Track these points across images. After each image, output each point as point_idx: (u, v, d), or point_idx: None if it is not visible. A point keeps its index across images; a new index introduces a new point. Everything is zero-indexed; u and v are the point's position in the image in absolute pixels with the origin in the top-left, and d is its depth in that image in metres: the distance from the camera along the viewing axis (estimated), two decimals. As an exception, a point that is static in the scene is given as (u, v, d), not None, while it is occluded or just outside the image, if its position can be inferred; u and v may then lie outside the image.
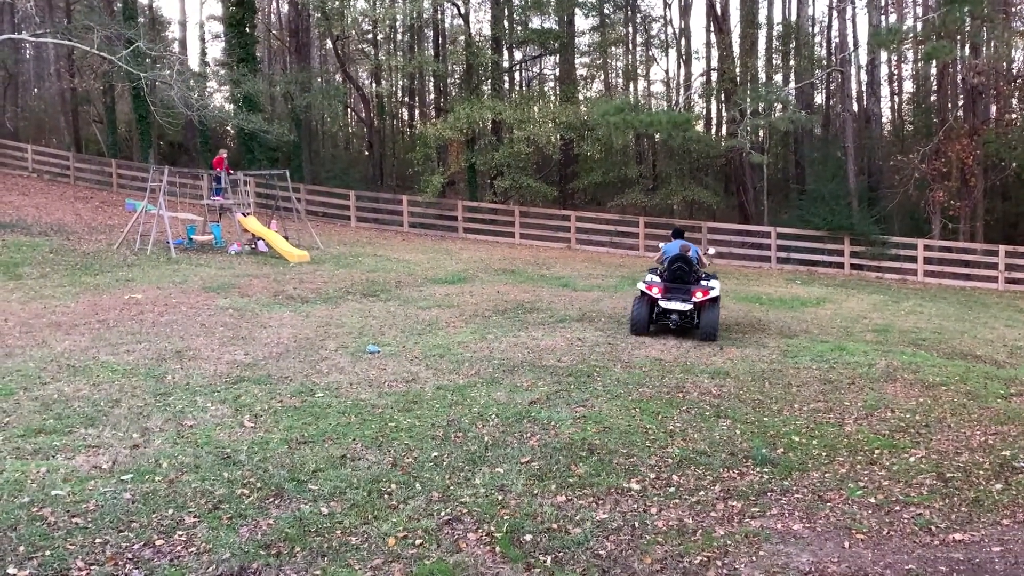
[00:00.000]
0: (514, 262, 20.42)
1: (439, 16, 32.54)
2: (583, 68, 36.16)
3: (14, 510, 5.02)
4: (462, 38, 32.14)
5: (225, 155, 21.10)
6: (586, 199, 31.50)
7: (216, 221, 20.21)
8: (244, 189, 20.98)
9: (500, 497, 5.40)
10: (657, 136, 29.14)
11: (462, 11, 29.85)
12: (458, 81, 32.84)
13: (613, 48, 35.66)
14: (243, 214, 19.73)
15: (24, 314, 11.49)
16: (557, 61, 35.79)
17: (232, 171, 21.02)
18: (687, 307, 11.49)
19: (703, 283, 11.84)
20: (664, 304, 11.57)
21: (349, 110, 39.71)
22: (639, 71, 36.64)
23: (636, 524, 5.09)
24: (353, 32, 32.99)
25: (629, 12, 35.96)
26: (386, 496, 5.37)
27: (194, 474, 5.69)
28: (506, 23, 32.04)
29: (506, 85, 34.15)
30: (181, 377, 8.46)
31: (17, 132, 32.59)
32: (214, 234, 19.52)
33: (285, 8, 37.37)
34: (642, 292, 11.81)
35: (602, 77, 37.59)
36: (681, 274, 11.86)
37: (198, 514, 5.02)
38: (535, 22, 32.55)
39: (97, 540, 4.67)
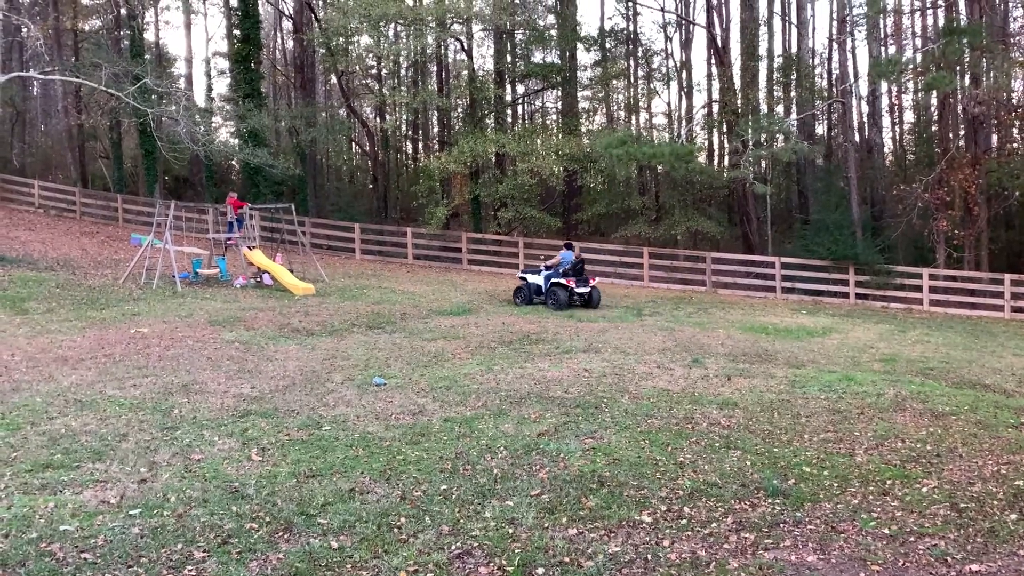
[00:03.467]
0: (519, 293, 20.42)
1: (443, 51, 32.92)
2: (585, 101, 36.50)
3: (23, 546, 4.99)
4: (465, 73, 32.52)
5: (235, 196, 21.44)
6: (590, 230, 31.61)
7: (222, 255, 20.30)
8: (250, 223, 21.09)
9: (511, 530, 5.36)
10: (660, 168, 29.33)
11: (465, 47, 30.22)
12: (462, 115, 33.15)
13: (615, 81, 36.01)
14: (249, 247, 19.82)
15: (31, 348, 11.50)
16: (559, 94, 36.15)
17: (240, 214, 21.20)
18: (588, 289, 18.26)
19: (586, 277, 18.52)
20: (578, 289, 18.05)
21: (354, 144, 40.05)
22: (641, 103, 37.00)
23: (648, 557, 5.04)
24: (357, 68, 33.36)
25: (630, 46, 36.40)
26: (396, 530, 5.33)
27: (202, 508, 5.65)
28: (509, 57, 32.46)
29: (509, 118, 34.49)
30: (188, 411, 8.43)
31: (24, 168, 32.87)
32: (220, 268, 19.58)
33: (290, 44, 37.88)
34: (561, 283, 17.96)
35: (604, 109, 37.93)
36: (581, 270, 18.53)
37: (207, 548, 4.98)
38: (537, 56, 32.97)
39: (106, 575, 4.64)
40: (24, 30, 24.97)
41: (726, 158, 32.68)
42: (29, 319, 13.82)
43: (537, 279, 18.62)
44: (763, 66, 32.12)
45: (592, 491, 6.17)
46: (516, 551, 5.03)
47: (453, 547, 5.09)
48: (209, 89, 39.35)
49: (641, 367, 11.36)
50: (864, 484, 6.63)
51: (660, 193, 30.39)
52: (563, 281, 17.88)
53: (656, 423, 8.32)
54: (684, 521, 5.67)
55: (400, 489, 6.11)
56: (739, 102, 27.91)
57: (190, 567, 4.76)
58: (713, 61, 31.58)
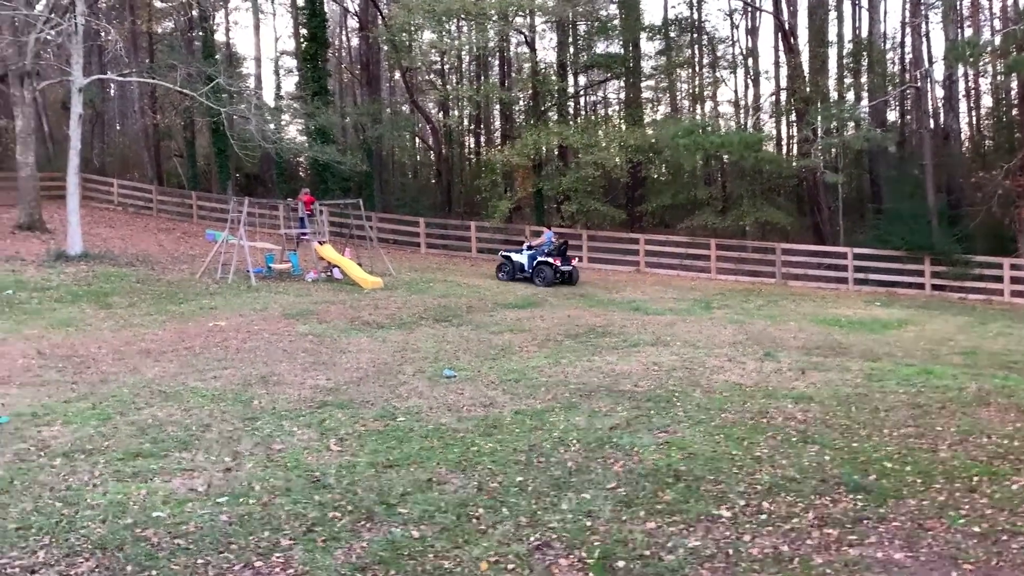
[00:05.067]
0: (583, 286, 20.39)
1: (505, 44, 32.93)
2: (649, 91, 36.10)
3: (119, 531, 5.20)
4: (527, 65, 32.48)
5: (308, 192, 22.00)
6: (654, 222, 31.28)
7: (293, 250, 20.74)
8: (320, 218, 21.50)
9: (588, 523, 5.37)
10: (726, 157, 28.86)
11: (528, 39, 30.17)
12: (524, 107, 33.15)
13: (679, 70, 35.53)
14: (319, 242, 20.20)
15: (116, 342, 11.95)
16: (622, 85, 35.83)
17: (312, 210, 21.70)
18: (570, 268, 20.27)
19: (569, 257, 20.53)
20: (563, 268, 20.10)
21: (417, 139, 40.43)
22: (706, 92, 36.41)
23: (730, 552, 5.00)
24: (421, 63, 33.65)
25: (695, 34, 35.83)
26: (474, 520, 5.40)
27: (286, 497, 5.81)
28: (571, 49, 32.30)
29: (571, 110, 34.35)
30: (267, 402, 8.66)
31: (104, 167, 34.07)
32: (292, 262, 20.01)
33: (355, 42, 38.40)
34: (548, 263, 19.99)
35: (668, 99, 37.45)
36: (564, 250, 20.45)
37: (293, 536, 5.12)
38: (600, 47, 32.74)
39: (199, 561, 4.80)
40: (103, 34, 25.83)
41: (795, 147, 31.98)
42: (113, 313, 14.35)
43: (520, 258, 20.78)
44: (832, 52, 31.27)
45: (668, 485, 6.14)
46: (595, 544, 5.04)
47: (532, 538, 5.13)
48: (278, 87, 40.20)
49: (712, 361, 11.23)
50: (949, 481, 6.45)
51: (727, 183, 29.91)
52: (550, 260, 20.09)
53: (730, 417, 8.23)
54: (764, 516, 5.61)
55: (476, 480, 6.18)
56: (808, 89, 27.25)
57: (278, 554, 4.91)
58: (781, 48, 30.89)
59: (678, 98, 37.36)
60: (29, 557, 4.81)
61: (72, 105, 20.91)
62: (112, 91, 36.52)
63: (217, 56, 31.25)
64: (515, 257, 20.95)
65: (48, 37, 21.76)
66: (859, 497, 6.02)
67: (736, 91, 37.51)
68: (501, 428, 7.67)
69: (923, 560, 4.95)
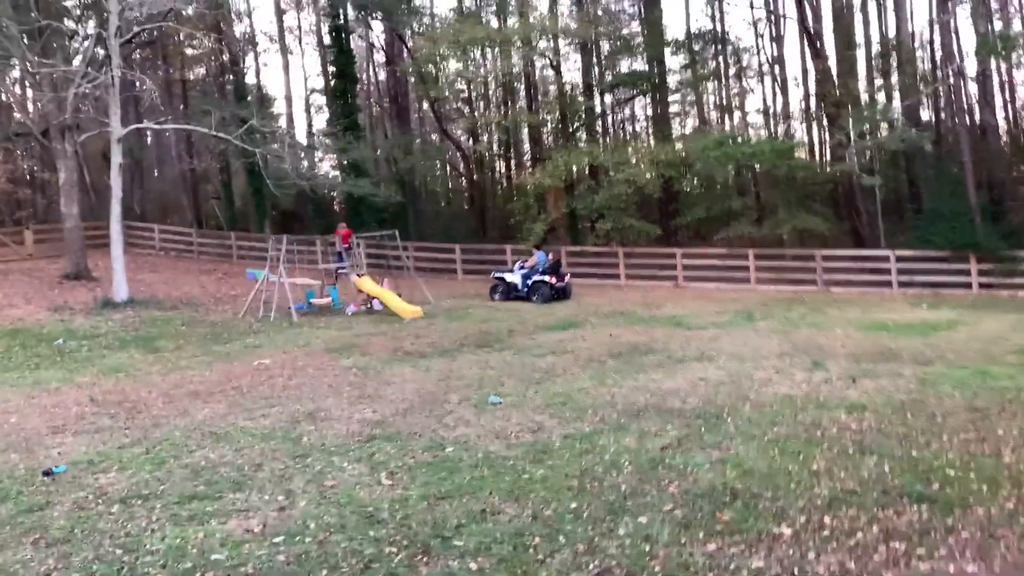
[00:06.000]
0: (623, 304, 20.28)
1: (530, 69, 33.13)
2: (676, 105, 36.05)
3: (180, 575, 5.24)
4: (553, 88, 32.66)
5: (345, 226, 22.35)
6: (690, 235, 31.07)
7: (333, 284, 20.96)
8: (357, 251, 21.73)
9: (647, 548, 5.29)
10: (758, 166, 28.61)
11: (553, 63, 30.33)
12: (553, 129, 33.28)
13: (705, 83, 35.43)
14: (358, 275, 20.39)
15: (165, 385, 12.13)
16: (649, 101, 35.82)
17: (349, 243, 22.02)
18: (564, 284, 21.37)
19: (562, 273, 21.64)
20: (558, 284, 21.13)
21: (448, 167, 40.76)
22: (734, 103, 36.25)
23: (795, 571, 4.89)
24: (447, 93, 34.02)
25: (719, 46, 35.74)
26: (532, 550, 5.34)
27: (341, 534, 5.81)
28: (596, 69, 32.43)
29: (600, 129, 34.40)
30: (316, 438, 8.70)
31: (144, 214, 34.84)
32: (332, 296, 20.21)
33: (383, 76, 38.94)
34: (544, 281, 21.11)
35: (696, 112, 37.34)
36: (557, 268, 21.61)
37: (351, 574, 5.12)
38: (624, 65, 32.82)
39: (259, 603, 4.81)
40: (138, 84, 26.51)
41: (828, 152, 31.61)
42: (161, 357, 14.59)
43: (514, 278, 21.70)
44: (860, 54, 30.95)
45: (726, 504, 6.03)
46: (656, 569, 4.96)
47: (591, 566, 5.06)
48: (309, 125, 40.84)
49: (759, 373, 11.07)
50: (1017, 486, 6.25)
51: (761, 193, 29.63)
52: (545, 278, 21.20)
53: (783, 431, 8.08)
54: (826, 532, 5.47)
55: (530, 509, 6.12)
56: (838, 93, 26.97)
57: (337, 592, 4.90)
58: (807, 54, 30.68)
59: (706, 110, 37.24)
60: (94, 606, 4.86)
61: (112, 155, 21.45)
62: (149, 139, 37.40)
63: (249, 98, 31.88)
64: (508, 277, 21.84)
65: (86, 91, 22.39)
66: (924, 508, 5.86)
67: (764, 100, 37.38)
68: (551, 453, 7.61)
69: (998, 572, 4.79)
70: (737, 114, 36.42)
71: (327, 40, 32.84)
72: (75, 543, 5.90)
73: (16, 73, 29.43)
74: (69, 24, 26.14)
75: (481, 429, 8.75)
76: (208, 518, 6.33)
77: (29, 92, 30.93)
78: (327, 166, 34.35)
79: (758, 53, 36.28)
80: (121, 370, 13.49)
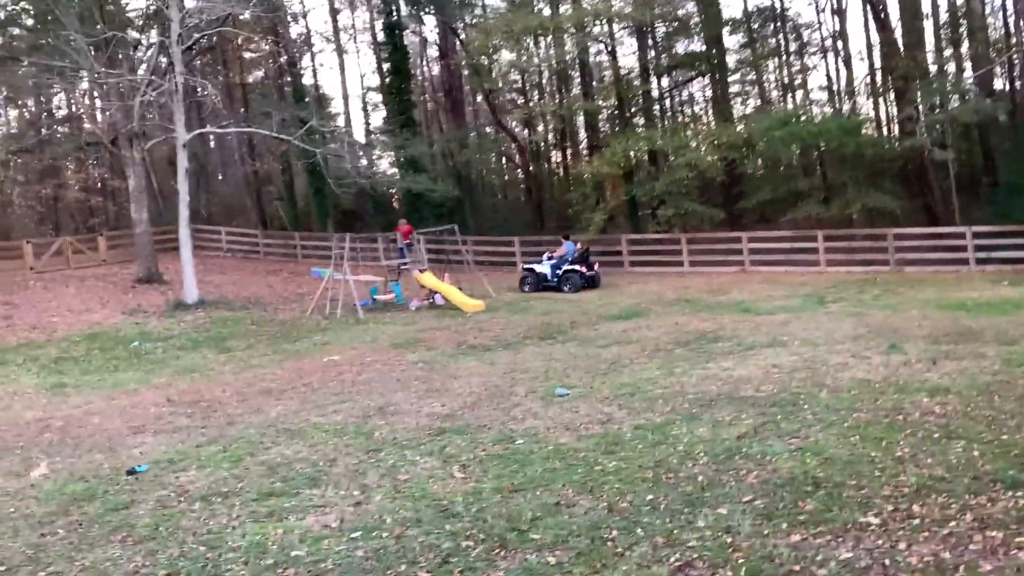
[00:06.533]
0: (687, 291, 19.98)
1: (585, 55, 32.84)
2: (736, 85, 35.30)
3: (262, 572, 5.31)
4: (608, 74, 32.31)
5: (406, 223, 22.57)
6: (755, 218, 30.41)
7: (396, 280, 21.15)
8: (418, 247, 21.88)
9: (728, 539, 5.16)
10: (823, 145, 27.83)
11: (608, 48, 29.99)
12: (608, 116, 32.94)
13: (765, 61, 34.60)
14: (419, 271, 20.52)
15: (238, 384, 12.39)
16: (707, 82, 35.18)
17: (410, 239, 22.22)
18: (593, 273, 21.65)
19: (591, 263, 22.00)
20: (588, 273, 21.48)
21: (504, 159, 40.74)
22: (796, 81, 35.33)
23: (887, 562, 4.70)
24: (501, 84, 33.96)
25: (778, 23, 34.85)
26: (609, 543, 5.26)
27: (418, 528, 5.82)
28: (652, 52, 31.95)
29: (657, 113, 33.92)
30: (387, 432, 8.76)
31: (211, 217, 35.70)
32: (395, 292, 20.39)
33: (436, 70, 39.08)
34: (575, 270, 21.38)
35: (757, 92, 36.54)
36: (586, 257, 21.92)
37: (430, 569, 5.11)
38: (680, 47, 32.27)
39: (340, 598, 4.84)
40: (200, 90, 27.10)
41: (896, 127, 30.57)
42: (232, 356, 14.91)
43: (543, 268, 21.77)
44: (928, 24, 29.83)
45: (808, 494, 5.85)
46: (739, 561, 4.83)
47: (672, 559, 4.95)
48: (367, 122, 41.28)
49: (834, 358, 10.76)
50: (1120, 470, 5.92)
51: (827, 172, 28.82)
52: (576, 267, 21.41)
53: (863, 417, 7.82)
54: (916, 521, 5.26)
55: (605, 501, 6.04)
56: (906, 66, 26.02)
57: (416, 587, 4.90)
58: (872, 26, 29.68)
59: (767, 90, 36.41)
60: (181, 602, 4.96)
61: (178, 160, 21.99)
62: (212, 143, 38.27)
63: (307, 99, 32.34)
64: (538, 268, 21.93)
65: (151, 99, 22.99)
66: (1020, 494, 5.59)
67: (828, 76, 36.21)
68: (623, 445, 7.51)
69: (1106, 561, 4.54)
70: (799, 92, 35.52)
71: (381, 38, 33.08)
72: (160, 540, 6.04)
73: (85, 85, 30.41)
74: (133, 34, 26.86)
75: (550, 421, 8.70)
76: (286, 514, 6.42)
77: (98, 102, 31.97)
78: (385, 163, 34.68)
79: (819, 28, 35.27)
80: (195, 370, 13.83)
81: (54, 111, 37.73)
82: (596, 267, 22.07)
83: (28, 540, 6.27)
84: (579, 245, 22.49)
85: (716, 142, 24.93)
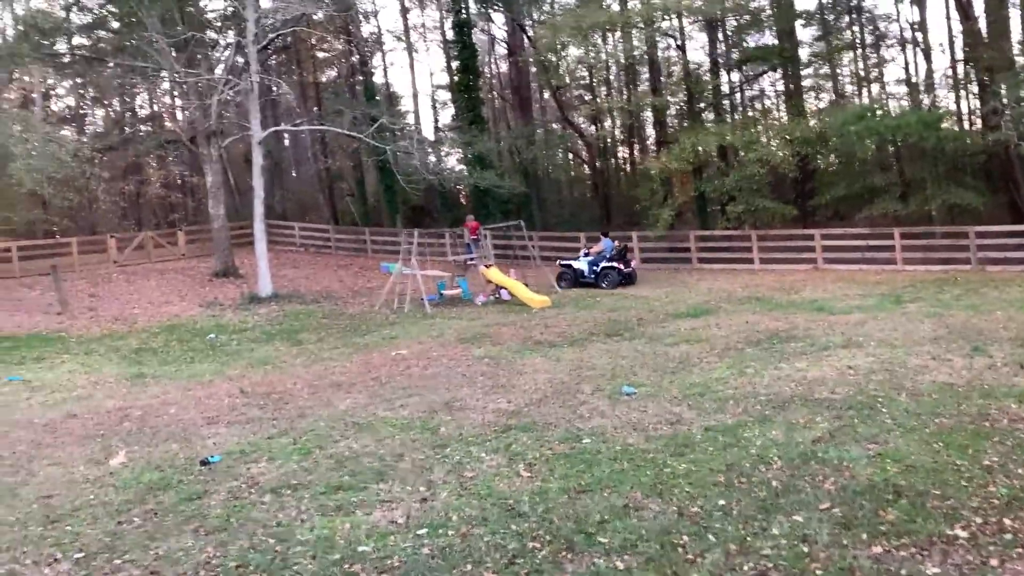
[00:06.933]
0: (758, 289, 19.52)
1: (653, 50, 32.45)
2: (809, 79, 34.36)
3: (329, 567, 5.35)
4: (676, 69, 31.79)
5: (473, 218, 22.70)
6: (828, 215, 29.58)
7: (462, 275, 21.23)
8: (485, 242, 21.92)
9: (805, 549, 4.98)
10: (900, 139, 26.86)
11: (678, 42, 29.54)
12: (677, 111, 32.45)
13: (840, 54, 33.58)
14: (486, 266, 20.55)
15: (308, 376, 12.59)
16: (779, 76, 34.33)
17: (477, 235, 22.31)
18: (631, 270, 21.62)
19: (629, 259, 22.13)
20: (626, 269, 21.43)
21: (570, 155, 40.54)
22: (872, 74, 34.21)
23: (976, 579, 4.48)
24: (568, 80, 33.76)
25: (854, 14, 33.79)
26: (680, 549, 5.14)
27: (484, 527, 5.79)
28: (722, 46, 31.33)
29: (727, 108, 33.28)
30: (453, 428, 8.77)
31: (284, 212, 36.46)
32: (461, 287, 20.47)
33: (504, 67, 39.10)
34: (613, 267, 21.36)
35: (831, 85, 35.51)
36: (623, 254, 22.02)
37: (496, 570, 5.07)
38: (752, 40, 31.53)
39: (407, 596, 4.84)
40: (275, 89, 27.68)
41: (978, 121, 29.31)
42: (304, 349, 15.17)
43: (580, 264, 21.78)
44: (1015, 13, 28.48)
45: (889, 502, 5.61)
46: (817, 572, 4.66)
47: (746, 568, 4.81)
48: (435, 120, 41.57)
49: (913, 360, 10.36)
50: None
51: (905, 167, 27.82)
52: (614, 264, 21.43)
53: (946, 423, 7.49)
54: (1008, 536, 4.99)
55: (675, 505, 5.91)
56: (990, 57, 24.90)
57: (482, 587, 4.86)
58: (953, 16, 28.49)
59: (842, 83, 35.35)
60: (251, 594, 5.02)
61: (254, 157, 22.50)
62: (287, 141, 39.08)
63: (378, 97, 32.72)
64: (575, 264, 21.96)
65: (228, 97, 23.57)
66: (1122, 510, 5.26)
67: (907, 68, 34.98)
68: (693, 447, 7.35)
69: None
70: (875, 85, 34.39)
71: (450, 35, 33.24)
72: (231, 532, 6.14)
73: (166, 85, 31.39)
74: (211, 35, 27.58)
75: (617, 420, 8.57)
76: (354, 509, 6.47)
77: (177, 102, 32.96)
78: (453, 160, 34.86)
79: (898, 19, 34.13)
80: (268, 362, 14.11)
81: (137, 110, 39.04)
82: (633, 264, 22.19)
83: (106, 528, 6.46)
84: (616, 243, 22.50)
85: (788, 137, 24.28)
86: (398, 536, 5.78)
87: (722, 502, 5.88)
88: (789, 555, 4.91)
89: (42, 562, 5.84)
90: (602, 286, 21.19)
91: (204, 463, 8.06)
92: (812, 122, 26.60)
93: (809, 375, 9.98)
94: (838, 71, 34.76)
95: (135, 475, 7.85)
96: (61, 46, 27.22)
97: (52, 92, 34.30)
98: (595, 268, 21.59)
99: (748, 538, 5.22)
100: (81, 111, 37.34)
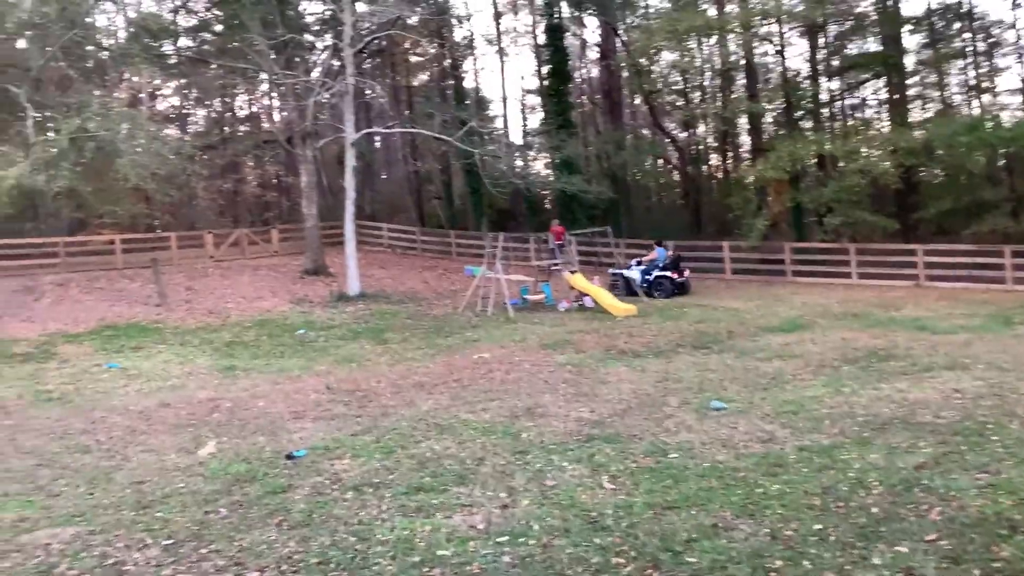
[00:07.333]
0: (855, 305, 18.75)
1: (751, 55, 31.71)
2: (914, 87, 32.97)
3: (408, 569, 5.29)
4: (773, 75, 30.98)
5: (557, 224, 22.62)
6: (932, 230, 28.29)
7: (546, 280, 21.13)
8: (569, 248, 21.78)
9: (911, 583, 4.66)
10: (1012, 152, 25.46)
11: (776, 47, 28.76)
12: (774, 118, 31.60)
13: (949, 62, 32.10)
14: (570, 272, 20.39)
15: (392, 376, 12.68)
16: (882, 84, 33.06)
17: (562, 240, 22.22)
18: (684, 279, 21.59)
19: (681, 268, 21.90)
20: (678, 279, 21.31)
21: (659, 161, 39.99)
22: (983, 83, 32.56)
23: (1107, 630, 4.08)
24: (661, 85, 33.31)
25: (964, 21, 32.25)
26: (773, 574, 4.87)
27: (565, 538, 5.64)
28: (822, 53, 30.37)
29: (826, 116, 32.23)
30: (535, 435, 8.64)
31: (373, 213, 37.13)
32: (545, 293, 20.36)
33: (595, 72, 38.90)
34: (666, 276, 21.20)
35: (938, 95, 33.98)
36: (677, 263, 21.76)
37: (578, 583, 4.91)
38: (854, 47, 30.48)
39: (486, 605, 4.73)
40: (368, 92, 28.19)
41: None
42: (388, 348, 15.32)
43: (632, 274, 21.60)
44: None
45: (1003, 538, 5.20)
46: (924, 610, 4.34)
47: (844, 599, 4.52)
48: (524, 124, 41.68)
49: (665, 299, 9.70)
50: None
51: (1017, 181, 26.38)
52: (667, 274, 21.33)
53: (1066, 455, 6.94)
54: None
55: (767, 527, 5.63)
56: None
57: (563, 601, 4.71)
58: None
59: (950, 92, 33.80)
60: (331, 592, 5.00)
61: (346, 159, 22.95)
62: (377, 143, 39.82)
63: (468, 101, 32.99)
64: (627, 274, 21.81)
65: (324, 99, 24.12)
66: None
67: (1022, 77, 33.19)
68: (786, 467, 7.02)
69: None
70: (987, 95, 32.72)
71: (542, 40, 33.25)
72: (313, 527, 6.17)
73: (265, 86, 32.38)
74: (308, 38, 28.32)
75: (705, 436, 8.29)
76: (434, 511, 6.41)
77: (275, 103, 33.95)
78: (540, 164, 34.85)
79: (1013, 26, 32.35)
80: (354, 360, 14.29)
81: (236, 111, 40.43)
82: (687, 273, 22.02)
83: (194, 516, 6.58)
84: (670, 252, 22.32)
85: (892, 147, 23.29)
86: (478, 542, 5.68)
87: (818, 526, 5.57)
88: (893, 589, 4.60)
89: (133, 546, 5.98)
90: (655, 296, 20.96)
91: (289, 457, 8.16)
92: (917, 133, 25.50)
93: (910, 397, 9.46)
94: (946, 79, 33.26)
95: (223, 466, 8.01)
96: (168, 48, 28.39)
97: (158, 92, 35.84)
98: (647, 277, 21.37)
99: (847, 566, 4.91)
100: (184, 111, 38.89)
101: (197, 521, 6.45)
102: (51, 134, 17.67)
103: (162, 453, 8.68)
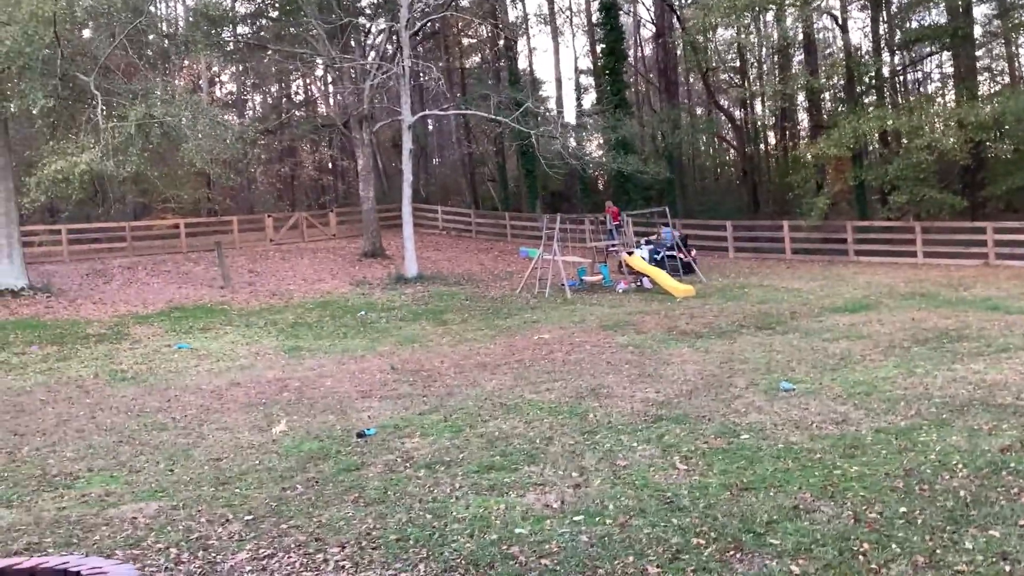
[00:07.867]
0: (923, 284, 18.27)
1: (811, 30, 30.93)
2: (983, 60, 31.82)
3: (487, 547, 5.32)
4: (831, 50, 30.20)
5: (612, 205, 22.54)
6: (1000, 207, 27.37)
7: (603, 261, 21.01)
8: (626, 229, 21.61)
9: (1007, 568, 4.52)
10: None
11: (840, 20, 27.99)
12: (834, 95, 30.83)
13: (1020, 33, 30.86)
14: (628, 253, 20.24)
15: (455, 356, 12.76)
16: (947, 58, 32.00)
17: (619, 221, 22.08)
18: (690, 259, 21.48)
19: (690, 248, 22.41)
20: (687, 259, 21.42)
21: (716, 139, 39.37)
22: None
23: None
24: (718, 63, 32.73)
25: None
26: (861, 557, 4.77)
27: (642, 519, 5.61)
28: (885, 26, 29.48)
29: (889, 91, 31.32)
30: (602, 415, 8.62)
31: (428, 196, 37.33)
32: (603, 274, 20.26)
33: (649, 51, 38.39)
34: (672, 255, 21.37)
35: (1006, 67, 32.77)
36: (685, 243, 22.12)
37: (660, 564, 4.88)
38: (917, 19, 29.53)
39: (568, 583, 4.74)
40: (423, 74, 28.25)
41: None
42: (449, 329, 15.41)
43: (641, 253, 21.46)
44: None
45: (1103, 525, 5.03)
46: (1024, 596, 4.21)
47: (937, 583, 4.42)
48: (578, 104, 41.37)
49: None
50: None
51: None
52: (673, 253, 21.68)
53: None
54: None
55: (850, 509, 5.52)
56: None
57: (646, 581, 4.70)
58: None
59: (1020, 65, 32.56)
60: (411, 570, 5.06)
61: (403, 142, 23.05)
62: (431, 126, 39.99)
63: (521, 82, 32.84)
64: (636, 253, 21.79)
65: (380, 83, 24.23)
66: None
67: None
68: (863, 449, 6.87)
69: None
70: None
71: (596, 18, 32.89)
72: (389, 504, 6.24)
73: (320, 71, 32.68)
74: (363, 21, 28.45)
75: (776, 417, 8.16)
76: (507, 489, 6.43)
77: (331, 87, 34.25)
78: (594, 145, 34.56)
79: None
80: (415, 340, 14.42)
81: (293, 96, 40.91)
82: (694, 253, 22.37)
83: (271, 492, 6.71)
84: (676, 233, 22.52)
85: (962, 122, 22.52)
86: (554, 521, 5.69)
87: (903, 509, 5.44)
88: (987, 573, 4.47)
89: (215, 521, 6.13)
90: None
91: (360, 435, 8.27)
92: (987, 107, 24.61)
93: (988, 378, 9.19)
94: (1016, 51, 32.05)
95: (296, 444, 8.15)
96: (226, 34, 28.80)
97: (217, 78, 36.44)
98: (655, 256, 21.55)
99: (937, 550, 4.79)
100: (242, 96, 39.49)
101: (275, 497, 6.58)
102: (119, 120, 18.07)
103: (236, 431, 8.87)
